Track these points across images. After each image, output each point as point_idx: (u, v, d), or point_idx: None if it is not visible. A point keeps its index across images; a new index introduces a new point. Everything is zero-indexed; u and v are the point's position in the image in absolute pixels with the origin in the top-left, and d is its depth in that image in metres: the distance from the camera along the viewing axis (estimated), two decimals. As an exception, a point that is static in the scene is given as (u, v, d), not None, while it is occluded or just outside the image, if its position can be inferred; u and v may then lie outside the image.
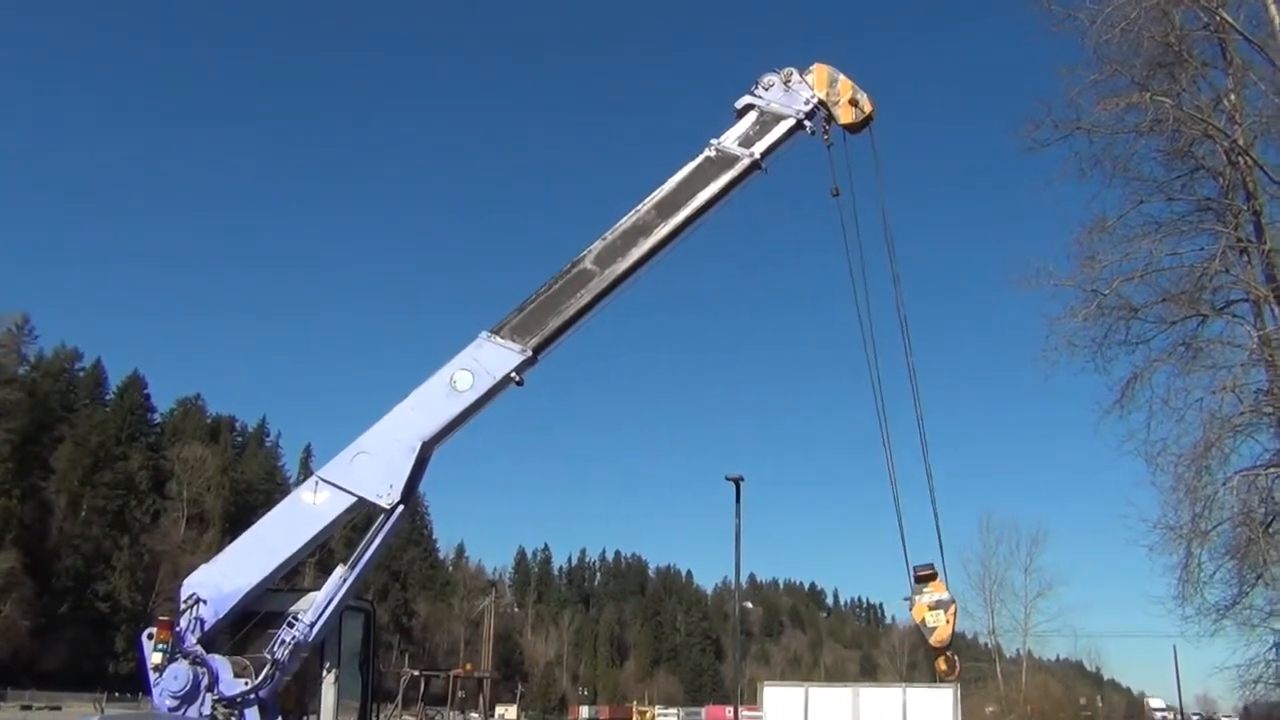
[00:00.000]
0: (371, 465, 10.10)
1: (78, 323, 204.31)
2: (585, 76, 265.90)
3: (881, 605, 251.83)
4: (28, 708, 55.93)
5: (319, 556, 10.71)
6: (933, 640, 10.50)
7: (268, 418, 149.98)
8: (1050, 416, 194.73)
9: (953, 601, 10.48)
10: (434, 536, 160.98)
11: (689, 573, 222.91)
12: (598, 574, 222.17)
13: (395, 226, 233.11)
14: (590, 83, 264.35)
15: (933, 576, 10.52)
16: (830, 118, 11.51)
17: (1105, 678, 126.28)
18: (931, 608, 10.40)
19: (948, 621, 10.39)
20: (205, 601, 9.62)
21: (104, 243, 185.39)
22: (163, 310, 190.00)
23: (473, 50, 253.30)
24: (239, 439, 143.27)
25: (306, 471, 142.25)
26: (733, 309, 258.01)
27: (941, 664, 10.60)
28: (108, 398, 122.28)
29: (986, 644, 54.41)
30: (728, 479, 30.39)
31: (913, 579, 10.57)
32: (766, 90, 11.46)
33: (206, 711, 9.26)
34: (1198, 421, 18.26)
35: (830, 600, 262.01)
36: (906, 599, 10.72)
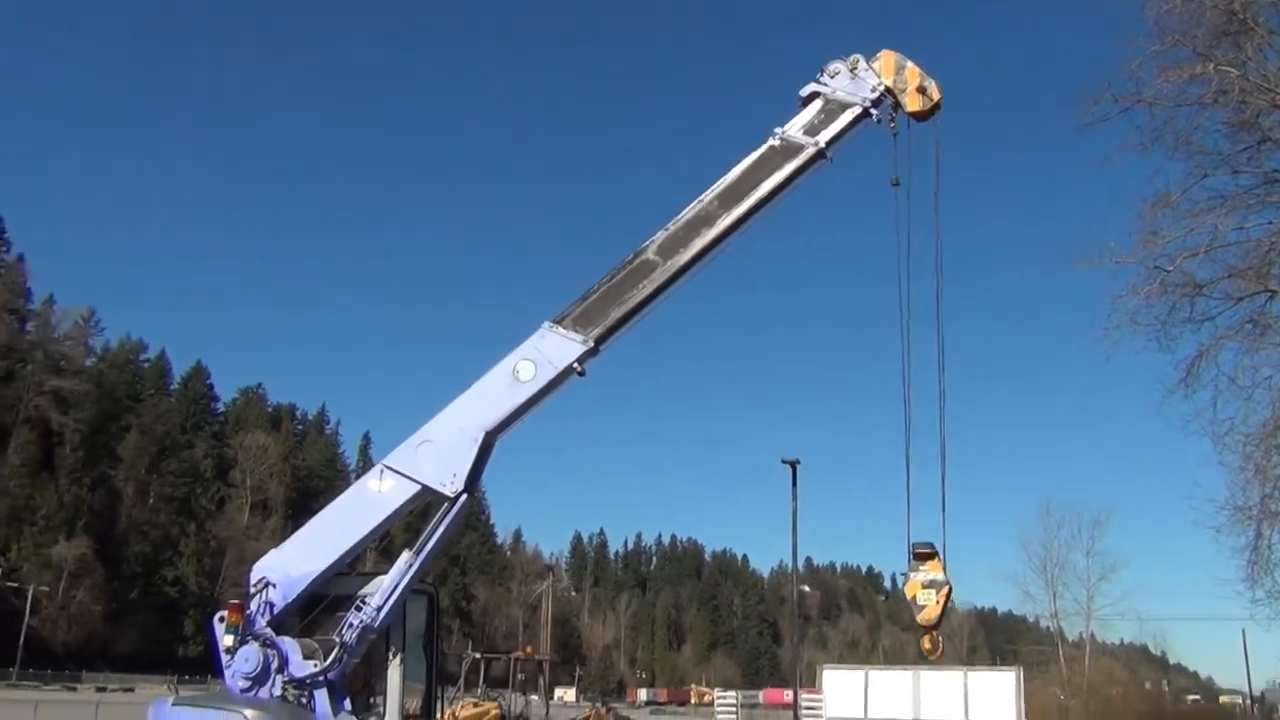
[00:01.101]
0: (435, 454, 10.19)
1: (142, 315, 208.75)
2: (648, 64, 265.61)
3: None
4: (102, 689, 57.53)
5: (380, 542, 10.87)
6: (919, 618, 10.56)
7: (327, 406, 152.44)
8: (1112, 397, 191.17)
9: (947, 584, 10.50)
10: (491, 522, 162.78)
11: (745, 557, 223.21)
12: (654, 558, 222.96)
13: (453, 216, 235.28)
14: (652, 73, 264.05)
15: (931, 556, 10.58)
16: (897, 105, 11.27)
17: (1171, 662, 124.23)
18: (924, 586, 10.46)
19: (938, 602, 10.42)
20: (274, 586, 9.78)
21: (166, 236, 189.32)
22: (224, 301, 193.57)
23: (522, 39, 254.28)
24: (299, 427, 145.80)
25: (365, 458, 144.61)
26: (789, 289, 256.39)
27: (925, 642, 10.66)
28: (172, 388, 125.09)
29: (1049, 627, 53.71)
30: (784, 462, 30.25)
31: (911, 555, 10.64)
32: (832, 78, 11.25)
33: (277, 692, 9.44)
34: (1266, 399, 17.88)
35: (888, 583, 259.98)
36: (904, 574, 10.84)
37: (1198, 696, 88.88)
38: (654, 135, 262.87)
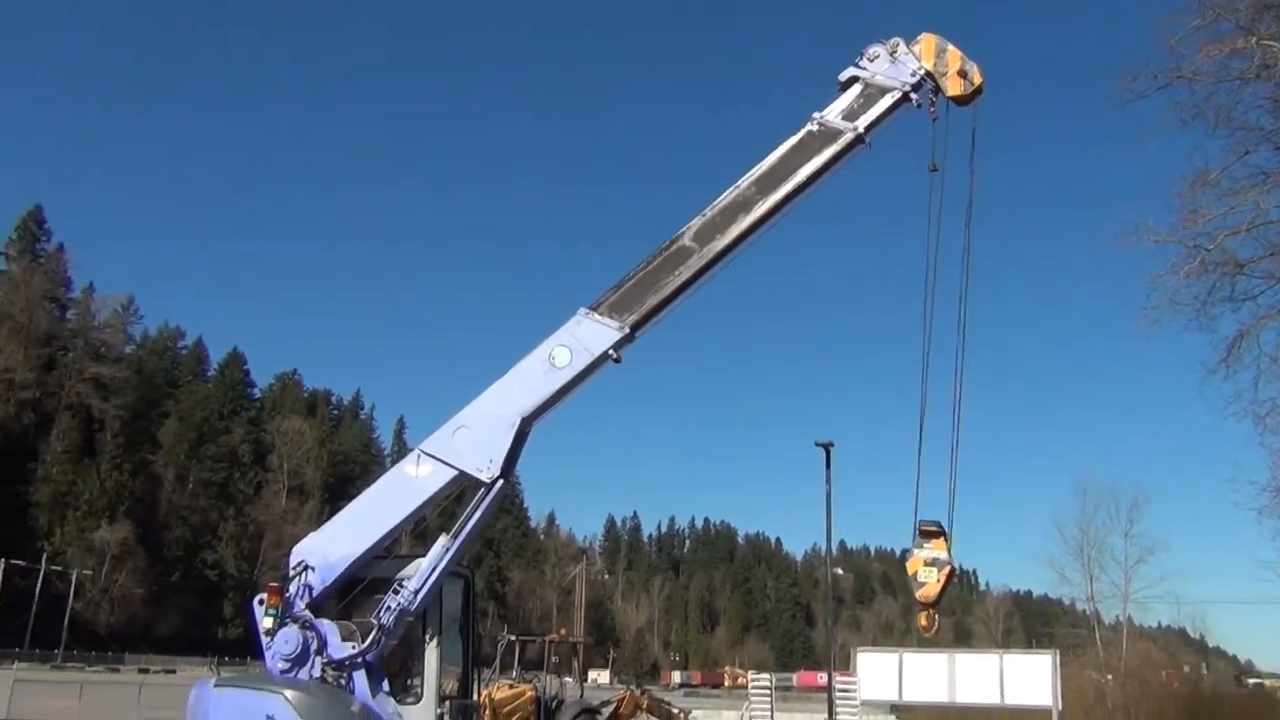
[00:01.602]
0: (472, 440, 10.24)
1: (179, 303, 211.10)
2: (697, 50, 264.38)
3: (975, 571, 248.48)
4: (145, 671, 58.43)
5: (415, 525, 10.94)
6: (919, 595, 10.65)
7: (362, 391, 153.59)
8: (1151, 379, 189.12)
9: (949, 563, 10.55)
10: (525, 506, 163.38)
11: (778, 540, 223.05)
12: (687, 541, 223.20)
13: (491, 202, 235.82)
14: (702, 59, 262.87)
15: (937, 534, 10.61)
16: (937, 90, 11.11)
17: (1210, 645, 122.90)
18: (927, 563, 10.54)
19: (939, 581, 10.50)
20: (313, 569, 9.92)
21: (202, 225, 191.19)
22: (260, 289, 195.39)
23: (564, 27, 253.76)
24: (335, 412, 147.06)
25: (400, 443, 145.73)
26: (822, 271, 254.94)
27: (923, 619, 10.75)
28: (209, 374, 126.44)
29: (1085, 611, 53.31)
30: (818, 445, 30.06)
31: (917, 531, 10.67)
32: (871, 62, 11.10)
33: (316, 674, 9.58)
34: (1311, 380, 17.56)
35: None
36: (906, 550, 10.88)
37: (1260, 680, 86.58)
38: (694, 119, 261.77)
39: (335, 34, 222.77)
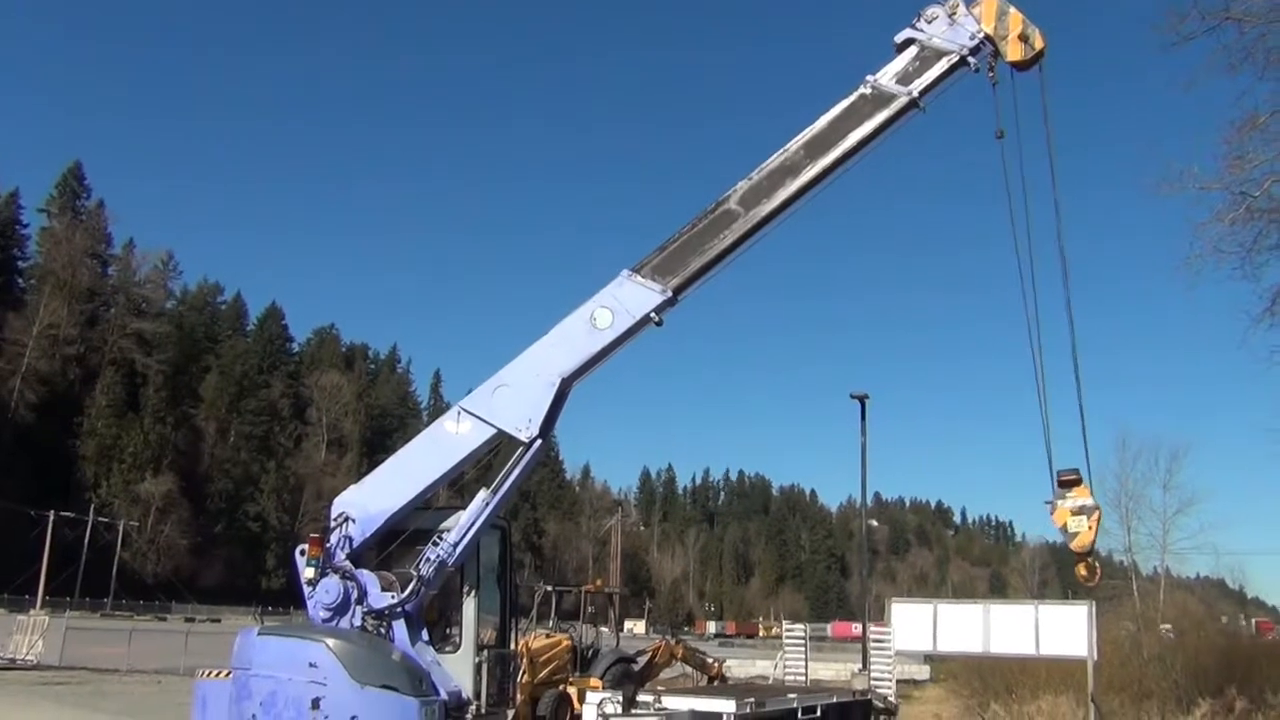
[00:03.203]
0: (512, 398, 10.27)
1: (218, 257, 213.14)
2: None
3: (1011, 523, 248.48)
4: (190, 619, 59.90)
5: (454, 481, 11.06)
6: (1074, 545, 10.30)
7: (399, 345, 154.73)
8: (1192, 328, 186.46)
9: (1097, 507, 10.22)
10: (560, 458, 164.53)
11: (813, 492, 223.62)
12: (721, 493, 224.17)
13: (522, 152, 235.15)
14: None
15: (1077, 481, 10.24)
16: (997, 54, 10.75)
17: (1249, 596, 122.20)
18: (1075, 513, 10.17)
19: (1090, 528, 10.15)
20: (353, 521, 10.07)
21: (239, 181, 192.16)
22: (297, 244, 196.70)
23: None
24: (372, 366, 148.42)
25: (437, 396, 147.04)
26: (857, 215, 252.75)
27: (1082, 569, 10.47)
28: (249, 329, 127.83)
29: (1122, 562, 52.97)
30: (853, 397, 29.94)
31: (1055, 483, 10.32)
32: (929, 23, 10.74)
33: (357, 623, 9.76)
34: (1356, 328, 17.16)
35: (958, 518, 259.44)
36: (1048, 502, 10.39)
37: None
38: (716, 88, 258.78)
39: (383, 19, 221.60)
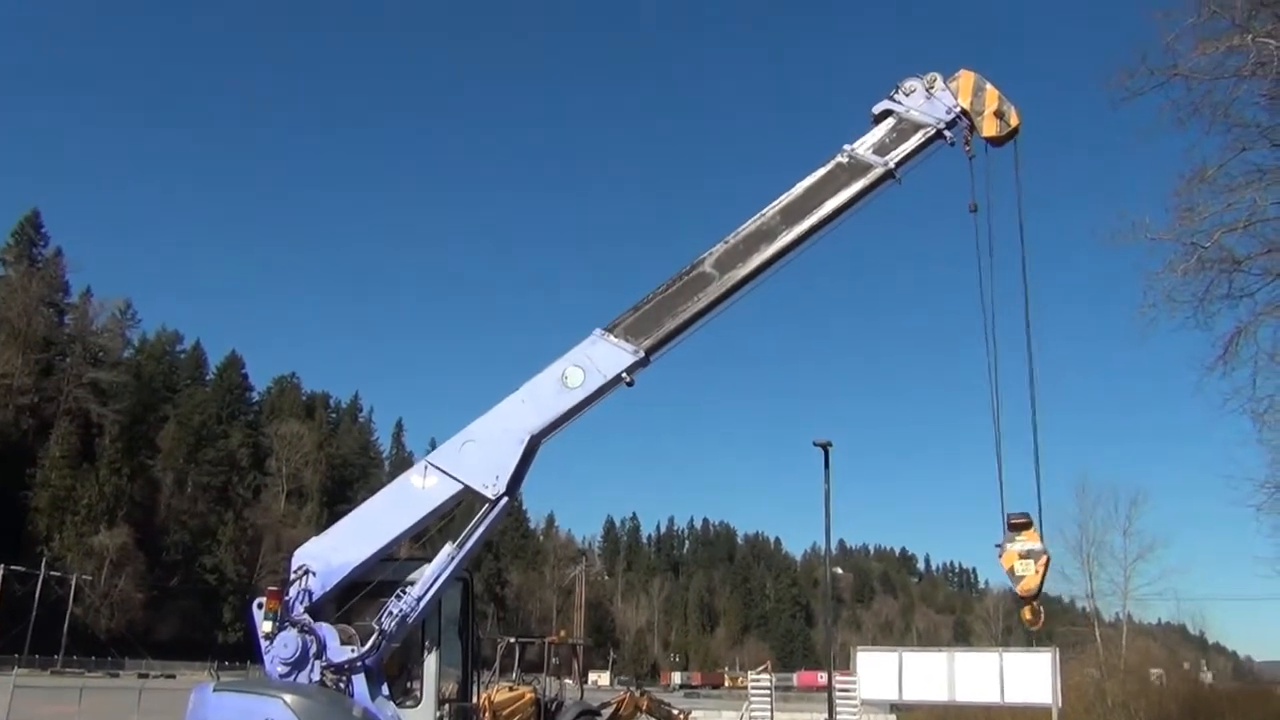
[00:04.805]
0: (480, 455, 10.19)
1: (177, 306, 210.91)
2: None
3: (975, 570, 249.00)
4: (144, 675, 58.49)
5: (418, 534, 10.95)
6: (1019, 589, 10.32)
7: (360, 394, 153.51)
8: (1147, 376, 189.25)
9: (1044, 553, 10.24)
10: (524, 507, 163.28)
11: (778, 540, 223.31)
12: (686, 542, 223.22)
13: (485, 209, 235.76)
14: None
15: (1027, 525, 10.29)
16: (973, 128, 10.89)
17: (1210, 641, 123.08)
18: (1022, 556, 10.20)
19: (1036, 572, 10.17)
20: (314, 573, 9.91)
21: (199, 229, 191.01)
22: (257, 292, 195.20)
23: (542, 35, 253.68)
24: (333, 415, 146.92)
25: (399, 445, 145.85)
26: (819, 274, 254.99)
27: (1026, 613, 10.48)
28: (208, 378, 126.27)
29: (1084, 608, 53.26)
30: (816, 445, 30.11)
31: (1006, 526, 10.36)
32: (907, 96, 10.90)
33: (315, 677, 9.57)
34: (1308, 376, 17.53)
35: (922, 565, 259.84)
36: (998, 545, 10.42)
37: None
38: (692, 128, 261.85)
39: (316, 35, 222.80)
